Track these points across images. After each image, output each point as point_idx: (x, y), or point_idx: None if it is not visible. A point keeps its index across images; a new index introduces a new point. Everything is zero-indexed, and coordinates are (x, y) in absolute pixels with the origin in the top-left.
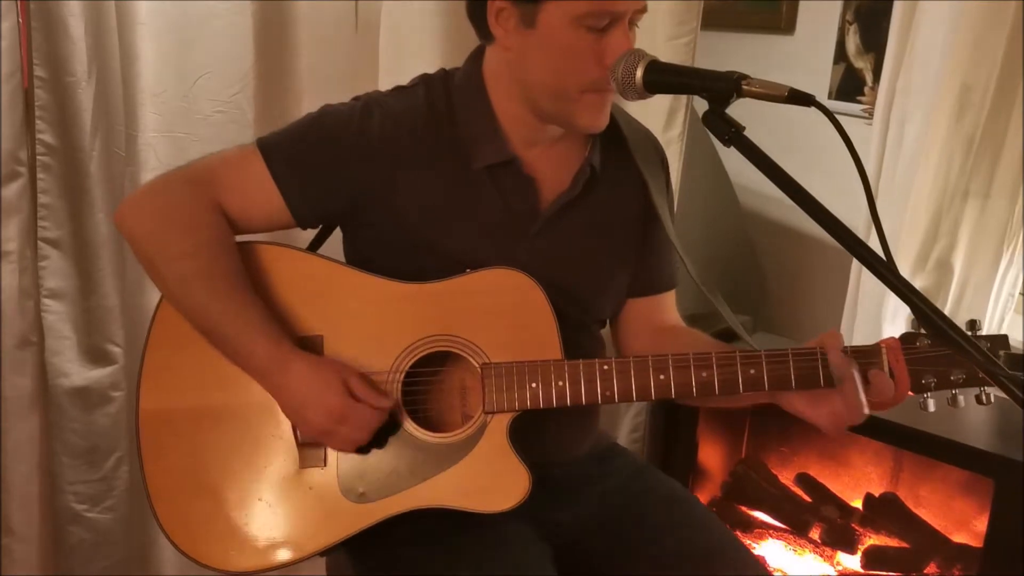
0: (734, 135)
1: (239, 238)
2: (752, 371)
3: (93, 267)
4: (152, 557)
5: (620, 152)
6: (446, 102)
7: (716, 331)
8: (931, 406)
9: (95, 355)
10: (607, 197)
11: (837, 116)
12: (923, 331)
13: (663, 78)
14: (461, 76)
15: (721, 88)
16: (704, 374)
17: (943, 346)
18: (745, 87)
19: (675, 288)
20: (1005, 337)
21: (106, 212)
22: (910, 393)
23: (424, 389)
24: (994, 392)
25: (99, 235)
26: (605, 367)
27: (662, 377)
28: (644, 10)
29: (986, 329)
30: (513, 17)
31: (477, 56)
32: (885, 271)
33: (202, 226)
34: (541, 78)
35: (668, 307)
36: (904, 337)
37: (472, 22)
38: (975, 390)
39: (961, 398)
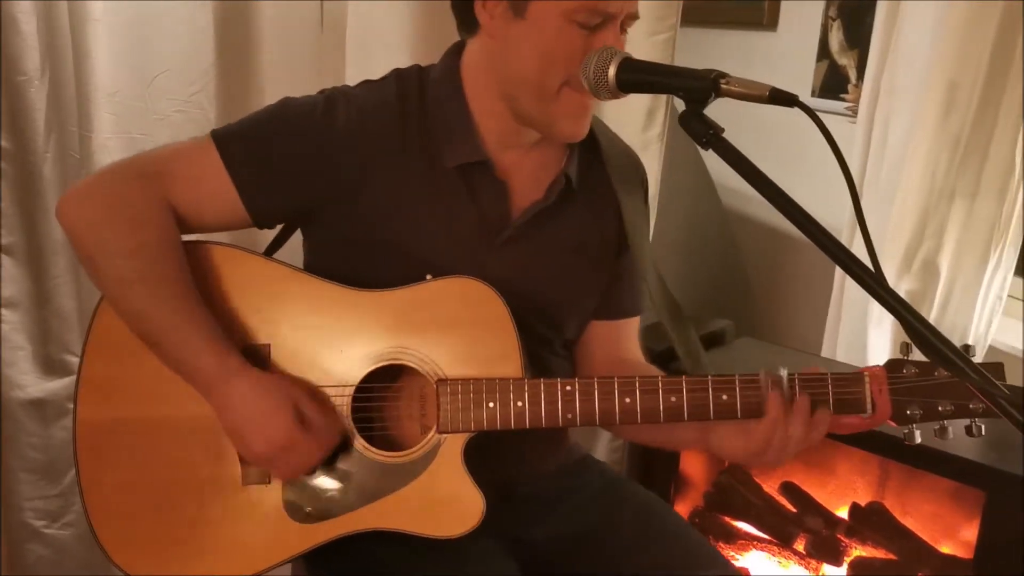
0: (712, 137)
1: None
2: (724, 396)
3: (48, 274)
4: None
5: (599, 169)
6: (419, 97)
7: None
8: (917, 437)
9: (51, 366)
10: (583, 213)
11: (820, 114)
12: (910, 358)
13: (638, 77)
14: (438, 71)
15: (699, 88)
16: (673, 399)
17: (934, 361)
18: (724, 87)
19: (639, 315)
20: (1000, 365)
21: None
22: (891, 423)
23: (378, 404)
24: (984, 423)
25: (53, 241)
26: (567, 388)
27: (628, 400)
28: (636, 16)
29: (972, 333)
30: (502, 5)
31: (456, 51)
32: (873, 283)
33: (148, 224)
34: (524, 72)
35: (629, 336)
36: (890, 364)
37: (455, 11)
38: (964, 421)
39: (950, 429)
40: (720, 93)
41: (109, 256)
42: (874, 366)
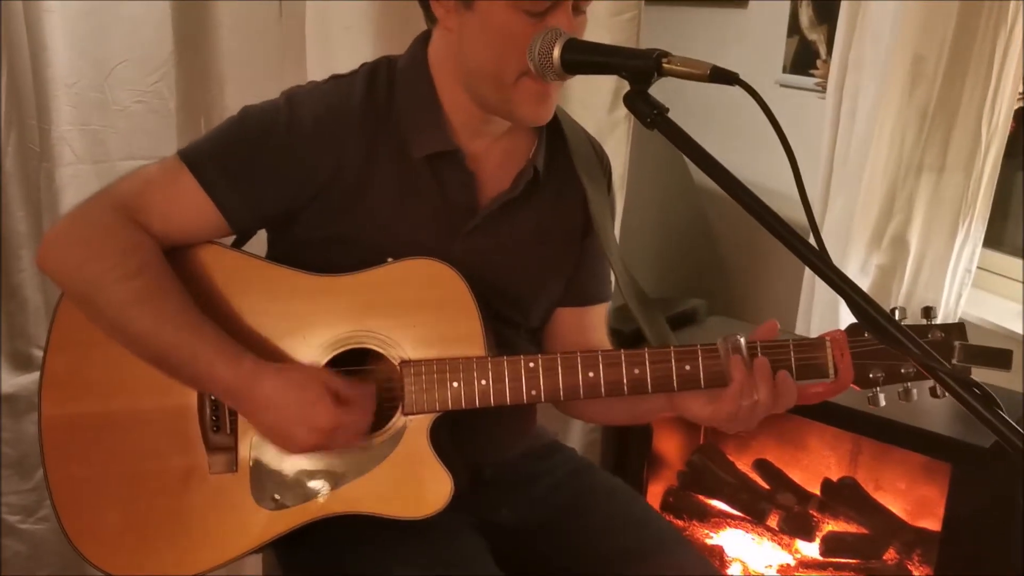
0: (657, 117)
1: None
2: (687, 367)
3: (13, 268)
4: (91, 567)
5: (565, 159)
6: (388, 88)
7: (670, 316)
8: (882, 400)
9: (20, 360)
10: (550, 203)
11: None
12: None
13: (582, 57)
14: (405, 60)
15: (641, 67)
16: (636, 371)
17: (879, 341)
18: (666, 65)
19: (606, 303)
20: (961, 326)
21: (24, 212)
22: (855, 387)
23: None
24: None
25: (17, 235)
26: (531, 364)
27: (591, 375)
28: None
29: (943, 305)
30: None
31: (424, 39)
32: (816, 260)
33: (137, 247)
34: (479, 62)
35: (595, 324)
36: (851, 329)
37: (420, 2)
38: (929, 382)
39: (915, 391)
40: (662, 72)
41: (105, 286)
42: (835, 330)
